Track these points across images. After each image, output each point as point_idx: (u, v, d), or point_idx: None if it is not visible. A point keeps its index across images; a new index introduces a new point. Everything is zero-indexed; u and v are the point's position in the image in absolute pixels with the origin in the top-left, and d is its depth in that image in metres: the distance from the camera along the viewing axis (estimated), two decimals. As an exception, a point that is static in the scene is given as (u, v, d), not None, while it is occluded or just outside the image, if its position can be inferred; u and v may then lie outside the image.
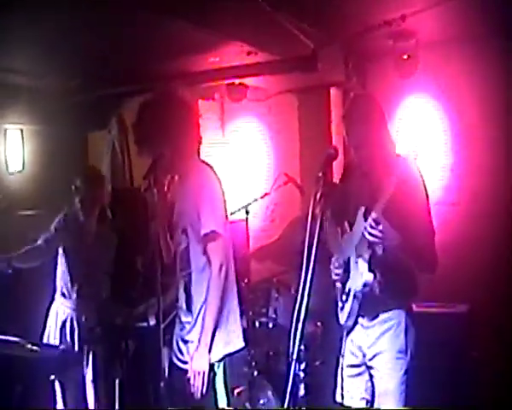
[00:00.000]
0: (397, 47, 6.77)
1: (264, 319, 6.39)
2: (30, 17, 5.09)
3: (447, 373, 6.12)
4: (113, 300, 6.16)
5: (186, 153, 4.16)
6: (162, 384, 4.12)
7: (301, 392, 6.02)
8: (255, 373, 6.20)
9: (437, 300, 6.55)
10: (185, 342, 4.18)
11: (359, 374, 4.23)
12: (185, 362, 4.11)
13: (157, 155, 4.05)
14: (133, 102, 8.39)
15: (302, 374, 6.00)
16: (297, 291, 3.45)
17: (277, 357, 6.36)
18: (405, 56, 6.77)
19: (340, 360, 4.27)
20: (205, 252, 4.07)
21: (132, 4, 4.87)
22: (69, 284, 5.96)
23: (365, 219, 3.90)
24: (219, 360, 4.08)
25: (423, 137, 7.37)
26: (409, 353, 4.07)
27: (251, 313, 6.27)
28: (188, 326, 4.17)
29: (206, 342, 3.96)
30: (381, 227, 3.75)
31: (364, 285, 3.93)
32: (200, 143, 4.29)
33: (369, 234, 3.79)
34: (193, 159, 4.21)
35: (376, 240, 3.80)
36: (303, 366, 6.00)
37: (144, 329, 5.73)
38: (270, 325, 6.37)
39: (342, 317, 4.20)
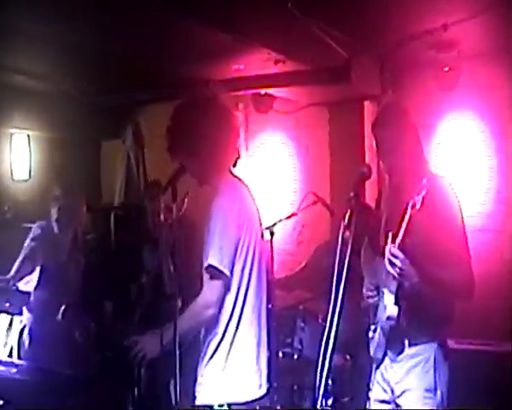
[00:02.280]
0: (437, 58, 6.81)
1: (288, 350, 6.40)
2: (43, 18, 5.17)
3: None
4: (124, 324, 6.23)
5: (219, 165, 4.09)
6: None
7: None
8: (278, 408, 6.20)
9: (481, 337, 6.52)
10: (195, 375, 4.16)
11: None
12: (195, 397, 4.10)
13: (179, 167, 3.97)
14: (150, 111, 8.55)
15: (329, 410, 6.01)
16: (325, 320, 3.48)
17: (302, 391, 6.35)
18: (446, 68, 6.82)
19: (369, 393, 4.27)
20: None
21: (154, 5, 4.93)
22: (46, 300, 6.05)
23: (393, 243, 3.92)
24: (220, 405, 3.91)
25: (465, 156, 7.37)
26: (438, 392, 4.01)
27: (274, 343, 6.26)
28: (199, 361, 4.15)
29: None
30: (398, 263, 3.75)
31: (388, 318, 3.92)
32: (237, 156, 4.23)
33: (390, 266, 3.82)
34: (225, 173, 4.13)
35: (396, 275, 3.81)
36: (330, 402, 5.99)
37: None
38: (295, 357, 6.38)
39: (372, 348, 4.22)
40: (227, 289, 3.88)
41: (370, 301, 4.22)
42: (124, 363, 5.52)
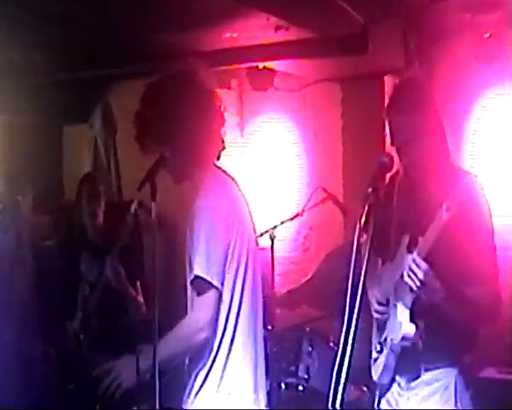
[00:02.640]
0: (475, 22, 6.82)
1: (292, 380, 6.43)
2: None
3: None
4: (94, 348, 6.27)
5: (201, 157, 4.11)
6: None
7: None
8: (279, 451, 6.25)
9: (503, 364, 6.57)
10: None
11: None
12: None
13: (160, 158, 3.96)
14: (123, 88, 8.56)
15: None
16: (337, 344, 3.49)
17: (309, 430, 6.41)
18: (487, 35, 6.82)
19: None
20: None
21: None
22: None
23: (408, 252, 3.94)
24: None
25: (507, 141, 7.38)
26: None
27: (275, 372, 6.29)
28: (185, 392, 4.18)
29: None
30: (421, 275, 3.77)
31: (403, 338, 3.94)
32: (222, 146, 4.24)
33: (409, 277, 3.85)
34: (209, 167, 4.16)
35: (415, 288, 3.83)
36: (343, 443, 6.02)
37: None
38: (301, 388, 6.40)
39: (375, 371, 4.22)
40: (219, 305, 3.88)
41: (378, 316, 4.22)
42: (90, 397, 5.57)
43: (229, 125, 8.56)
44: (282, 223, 6.68)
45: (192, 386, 4.02)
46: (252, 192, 8.44)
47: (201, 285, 3.84)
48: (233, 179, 4.31)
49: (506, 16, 6.73)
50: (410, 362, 4.04)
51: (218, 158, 4.24)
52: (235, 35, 6.85)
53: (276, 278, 6.85)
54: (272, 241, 6.53)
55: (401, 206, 4.21)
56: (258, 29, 6.62)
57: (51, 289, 6.50)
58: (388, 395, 4.22)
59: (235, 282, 3.96)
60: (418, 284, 3.77)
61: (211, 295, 3.85)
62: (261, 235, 6.46)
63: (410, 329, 3.89)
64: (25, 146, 8.60)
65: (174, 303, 4.39)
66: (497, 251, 4.04)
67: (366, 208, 3.56)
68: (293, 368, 6.45)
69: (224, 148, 4.26)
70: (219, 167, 4.24)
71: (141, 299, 6.23)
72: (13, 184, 6.27)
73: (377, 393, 4.28)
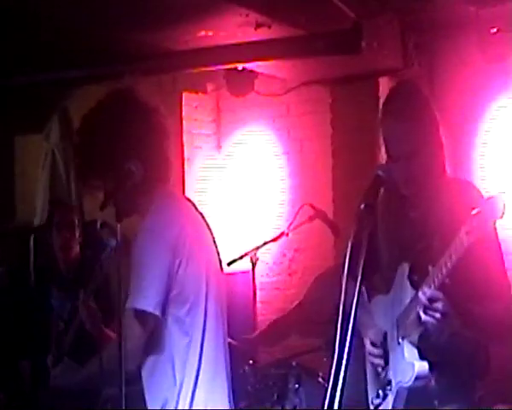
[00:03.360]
0: (481, 16, 6.88)
1: (277, 421, 6.48)
2: None
3: None
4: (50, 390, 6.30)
5: (150, 183, 4.14)
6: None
7: None
8: None
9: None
10: None
11: None
12: None
13: (112, 188, 4.02)
14: (84, 94, 8.59)
15: None
16: (327, 380, 3.54)
17: None
18: (494, 30, 6.88)
19: None
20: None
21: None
22: None
23: (411, 283, 4.00)
24: None
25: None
26: None
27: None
28: None
29: None
30: (440, 306, 3.77)
31: (417, 378, 3.94)
32: (167, 165, 4.26)
33: (427, 314, 3.87)
34: (155, 192, 4.19)
35: (433, 322, 3.85)
36: None
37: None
38: (287, 431, 6.45)
39: None
40: (153, 333, 3.99)
41: (373, 359, 4.24)
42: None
43: (204, 136, 8.72)
44: (264, 244, 6.71)
45: None
46: (231, 210, 8.56)
47: (138, 315, 3.93)
48: (188, 201, 4.42)
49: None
50: (420, 404, 4.05)
51: (168, 179, 4.29)
52: (210, 33, 6.86)
53: (259, 305, 6.89)
54: (254, 264, 6.53)
55: (391, 228, 4.20)
56: (236, 26, 6.66)
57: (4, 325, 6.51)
58: None
59: (195, 312, 4.06)
60: (440, 317, 3.77)
61: (144, 325, 3.95)
62: (241, 257, 6.50)
63: (423, 367, 3.90)
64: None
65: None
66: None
67: (360, 227, 3.63)
68: (278, 407, 6.49)
69: (171, 168, 4.30)
70: (169, 192, 4.31)
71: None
72: None
73: None
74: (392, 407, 4.07)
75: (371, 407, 4.23)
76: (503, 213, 3.61)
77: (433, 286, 3.78)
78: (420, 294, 3.81)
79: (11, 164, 9.56)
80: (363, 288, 4.10)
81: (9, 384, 6.69)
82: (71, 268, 6.76)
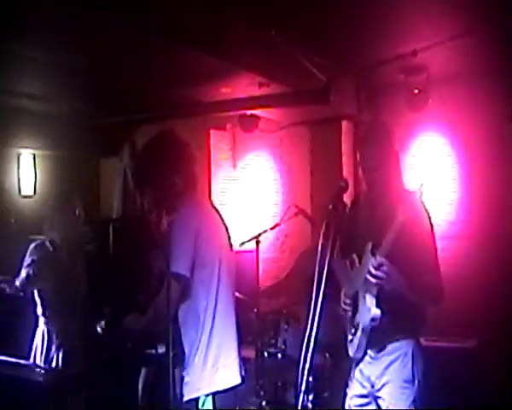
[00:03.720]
0: (408, 81, 6.85)
1: (272, 350, 6.40)
2: (44, 43, 5.16)
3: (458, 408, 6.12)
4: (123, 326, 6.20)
5: (182, 194, 4.16)
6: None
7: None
8: (263, 403, 6.20)
9: (446, 334, 6.57)
10: (182, 377, 4.19)
11: (367, 404, 4.23)
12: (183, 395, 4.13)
13: (161, 195, 4.18)
14: (145, 130, 8.53)
15: (310, 405, 6.00)
16: (306, 323, 3.46)
17: (286, 388, 6.36)
18: (416, 91, 6.85)
19: (347, 390, 4.28)
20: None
21: (147, 32, 4.93)
22: (48, 311, 5.99)
23: (372, 254, 3.94)
24: (206, 396, 4.03)
25: (433, 171, 7.42)
26: (416, 382, 4.06)
27: (260, 344, 6.27)
28: (184, 363, 4.17)
29: None
30: (384, 270, 3.77)
31: (372, 320, 3.92)
32: (195, 180, 4.29)
33: (372, 276, 3.82)
34: (187, 199, 4.19)
35: (380, 282, 3.82)
36: (311, 397, 5.99)
37: (153, 356, 5.74)
38: (279, 356, 6.37)
39: (352, 349, 4.21)
40: (185, 290, 4.01)
41: (345, 311, 4.16)
42: (120, 363, 5.53)
43: (224, 158, 8.65)
44: (264, 231, 6.64)
45: (189, 353, 4.09)
46: (242, 209, 8.48)
47: (175, 277, 3.94)
48: (209, 203, 4.47)
49: (430, 77, 6.76)
50: (377, 338, 4.02)
51: (195, 189, 4.28)
52: (229, 90, 6.79)
53: (261, 273, 6.81)
54: (258, 245, 6.50)
55: (365, 218, 4.14)
56: (246, 85, 6.56)
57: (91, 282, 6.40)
58: (361, 364, 4.19)
59: (212, 273, 4.08)
60: (383, 277, 3.78)
61: (179, 284, 3.97)
62: (249, 240, 6.45)
63: (376, 312, 3.88)
64: (71, 174, 8.56)
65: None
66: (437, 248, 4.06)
67: (328, 221, 3.57)
68: (273, 341, 6.41)
69: (197, 182, 4.31)
70: (196, 198, 4.30)
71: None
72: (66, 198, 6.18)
73: (353, 365, 4.24)
74: (359, 340, 4.04)
75: (348, 339, 4.18)
76: (421, 195, 3.77)
77: (379, 256, 3.77)
78: (371, 261, 3.81)
79: (98, 177, 9.49)
80: (348, 261, 4.19)
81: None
82: (160, 236, 6.63)
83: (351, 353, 4.20)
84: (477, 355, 6.56)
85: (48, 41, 5.09)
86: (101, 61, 5.80)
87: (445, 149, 7.43)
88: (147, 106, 7.68)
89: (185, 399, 4.08)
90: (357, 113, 7.42)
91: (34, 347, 5.96)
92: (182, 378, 4.13)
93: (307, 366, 3.36)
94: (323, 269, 3.46)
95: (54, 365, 5.85)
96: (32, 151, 8.31)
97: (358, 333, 4.05)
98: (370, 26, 5.57)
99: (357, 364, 4.22)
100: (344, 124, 7.67)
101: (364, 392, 4.20)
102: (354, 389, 4.25)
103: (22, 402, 4.21)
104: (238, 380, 4.14)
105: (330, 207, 3.63)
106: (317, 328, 3.39)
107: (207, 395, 4.02)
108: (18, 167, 8.23)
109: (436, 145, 7.48)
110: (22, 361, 4.74)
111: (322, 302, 3.43)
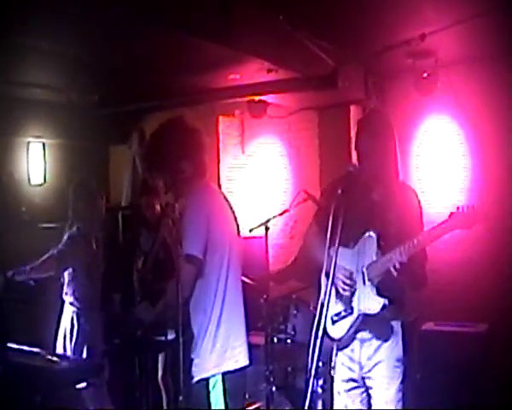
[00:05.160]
0: (416, 65, 6.84)
1: (282, 336, 6.40)
2: (51, 32, 5.16)
3: (466, 393, 6.12)
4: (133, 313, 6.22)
5: (192, 179, 4.20)
6: (181, 398, 4.13)
7: (319, 408, 6.03)
8: (273, 389, 6.21)
9: (457, 319, 6.57)
10: (191, 359, 4.20)
11: (355, 388, 4.25)
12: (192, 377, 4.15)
13: (170, 180, 4.23)
14: (153, 118, 8.54)
15: (320, 390, 6.01)
16: (315, 308, 3.46)
17: (295, 373, 6.38)
18: (425, 75, 6.83)
19: (332, 373, 4.26)
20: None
21: (154, 20, 4.92)
22: (78, 299, 6.04)
23: (379, 246, 3.98)
24: (214, 376, 4.07)
25: (442, 156, 7.39)
26: (405, 360, 4.16)
27: (269, 329, 6.26)
28: (192, 345, 4.19)
29: None
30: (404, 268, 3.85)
31: (383, 307, 3.95)
32: (204, 166, 4.32)
33: (395, 270, 3.86)
34: (197, 184, 4.22)
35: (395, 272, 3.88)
36: (321, 383, 6.00)
37: (163, 342, 5.77)
38: (289, 341, 6.37)
39: (337, 332, 4.16)
40: (199, 271, 4.03)
41: (346, 290, 4.09)
42: (130, 348, 5.56)
43: (233, 144, 8.64)
44: (274, 217, 6.61)
45: (198, 335, 4.12)
46: (251, 194, 8.47)
47: (189, 259, 3.97)
48: (218, 189, 4.52)
49: (438, 61, 6.75)
50: (377, 323, 4.08)
51: (205, 175, 4.31)
52: (237, 76, 6.78)
53: (270, 259, 6.80)
54: (267, 231, 6.47)
55: (358, 205, 4.06)
56: (254, 71, 6.55)
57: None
58: (346, 350, 4.20)
59: (222, 257, 4.11)
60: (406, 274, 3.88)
61: (194, 265, 3.99)
62: (259, 226, 6.42)
63: (385, 301, 3.94)
64: (81, 162, 8.56)
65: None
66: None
67: (337, 206, 3.56)
68: (282, 327, 6.42)
69: (207, 168, 4.35)
70: (205, 182, 4.32)
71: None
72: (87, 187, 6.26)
73: (334, 348, 4.22)
74: (352, 325, 4.10)
75: (332, 321, 4.17)
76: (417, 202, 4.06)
77: (404, 255, 3.84)
78: (394, 257, 3.87)
79: (107, 164, 9.50)
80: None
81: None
82: (153, 217, 6.64)
83: (336, 335, 4.18)
84: (488, 340, 6.54)
85: (56, 31, 5.09)
86: (110, 50, 5.82)
87: (455, 134, 7.39)
88: (155, 94, 7.68)
89: (195, 380, 4.12)
90: (366, 98, 7.40)
91: (62, 333, 6.02)
92: (191, 360, 4.15)
93: (317, 351, 3.36)
94: (333, 255, 3.47)
95: (82, 352, 5.93)
96: (41, 140, 8.32)
97: (351, 318, 4.08)
98: (378, 10, 5.55)
99: (343, 348, 4.21)
100: (352, 109, 7.65)
101: (354, 376, 4.23)
102: (341, 374, 4.26)
103: (36, 390, 4.23)
104: (246, 361, 4.18)
105: (340, 191, 3.62)
106: (327, 313, 3.40)
107: (216, 376, 4.06)
108: (27, 156, 8.24)
109: (446, 130, 7.44)
110: (35, 349, 4.74)
111: (331, 288, 3.44)
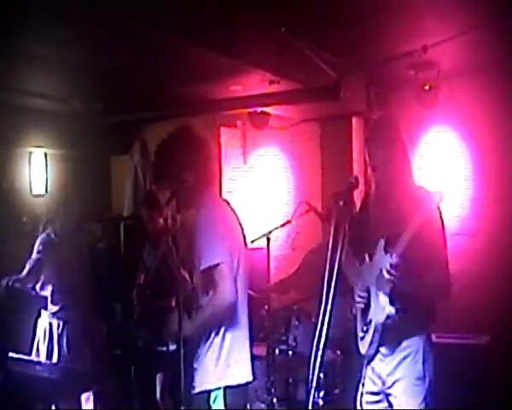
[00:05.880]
0: (418, 77, 6.84)
1: (283, 347, 6.38)
2: (53, 41, 5.17)
3: (467, 405, 6.10)
4: (135, 323, 6.22)
5: (201, 188, 4.15)
6: (183, 408, 4.12)
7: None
8: (274, 400, 6.20)
9: (458, 331, 6.55)
10: (194, 368, 4.18)
11: (378, 401, 4.23)
12: (194, 387, 4.13)
13: (174, 189, 4.17)
14: (155, 128, 8.56)
15: (321, 402, 5.99)
16: (317, 319, 3.46)
17: (297, 384, 6.35)
18: (427, 87, 6.84)
19: (360, 387, 4.27)
20: (205, 288, 4.06)
21: (156, 31, 4.93)
22: (53, 304, 6.05)
23: (385, 252, 3.95)
24: (216, 390, 4.03)
25: (444, 167, 7.39)
26: (427, 380, 4.08)
27: (271, 340, 6.26)
28: (196, 354, 4.17)
29: None
30: (398, 272, 3.81)
31: (387, 318, 3.94)
32: (213, 176, 4.32)
33: (390, 275, 3.84)
34: (206, 195, 4.18)
35: (395, 281, 3.85)
36: (322, 394, 5.98)
37: (164, 353, 5.76)
38: (290, 353, 6.35)
39: (363, 347, 4.20)
40: (231, 273, 3.99)
41: (360, 303, 4.17)
42: (131, 359, 5.54)
43: (235, 156, 8.64)
44: (275, 228, 6.63)
45: (203, 345, 4.07)
46: (253, 206, 8.47)
47: (212, 270, 3.92)
48: (226, 201, 4.40)
49: (440, 73, 6.75)
50: (390, 335, 4.05)
51: (213, 185, 4.34)
52: (239, 87, 6.78)
53: (272, 270, 6.81)
54: (268, 242, 6.47)
55: (375, 216, 4.13)
56: (256, 82, 6.56)
57: (102, 280, 6.43)
58: (372, 362, 4.20)
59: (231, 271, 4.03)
60: (397, 278, 3.81)
61: (221, 270, 3.93)
62: (260, 237, 6.42)
63: (391, 310, 3.92)
64: (83, 172, 8.57)
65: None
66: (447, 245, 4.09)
67: (338, 218, 3.55)
68: (284, 338, 6.39)
69: (216, 178, 4.40)
70: (214, 194, 4.34)
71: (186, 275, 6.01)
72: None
73: (365, 363, 4.24)
74: (372, 338, 4.08)
75: (359, 337, 4.20)
76: (441, 200, 3.80)
77: (395, 256, 3.80)
78: (387, 260, 3.84)
79: (109, 175, 9.52)
80: (355, 257, 4.23)
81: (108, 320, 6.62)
82: (156, 232, 6.63)
83: (362, 350, 4.21)
84: (489, 352, 6.53)
85: (59, 40, 5.08)
86: (113, 60, 5.81)
87: (457, 146, 7.39)
88: (157, 104, 7.69)
89: (196, 391, 4.09)
90: (368, 109, 7.40)
91: (36, 340, 6.03)
92: (193, 369, 4.13)
93: (318, 362, 3.35)
94: (334, 266, 3.46)
95: (56, 359, 5.92)
96: (43, 150, 8.33)
97: (370, 330, 4.07)
98: (380, 22, 5.56)
99: (369, 362, 4.22)
100: (354, 120, 7.66)
101: (375, 389, 4.21)
102: (366, 386, 4.26)
103: (30, 398, 4.22)
104: (250, 377, 4.15)
105: (341, 203, 3.61)
106: (328, 325, 3.38)
107: (218, 389, 4.02)
108: (29, 166, 8.25)
109: (448, 142, 7.45)
110: (31, 358, 4.74)
111: (332, 299, 3.42)
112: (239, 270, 4.11)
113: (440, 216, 4.07)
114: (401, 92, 7.47)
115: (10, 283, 5.85)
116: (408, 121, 7.35)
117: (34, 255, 5.99)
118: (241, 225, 4.32)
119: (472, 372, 6.25)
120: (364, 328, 4.14)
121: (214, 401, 4.02)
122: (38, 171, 8.31)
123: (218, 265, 3.93)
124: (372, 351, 4.15)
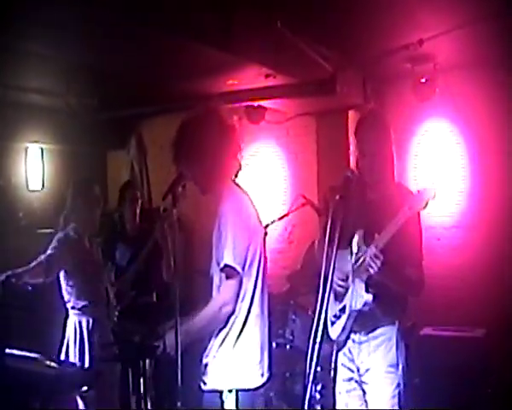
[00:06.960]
0: (415, 70, 6.85)
1: (280, 341, 6.40)
2: (49, 37, 5.16)
3: (463, 398, 6.12)
4: (132, 318, 6.20)
5: (222, 175, 4.02)
6: (179, 404, 4.10)
7: (317, 413, 6.04)
8: (271, 394, 6.20)
9: (453, 324, 6.57)
10: (204, 364, 4.10)
11: (353, 389, 4.29)
12: (205, 383, 4.06)
13: (178, 176, 3.92)
14: (152, 123, 8.56)
15: (318, 396, 6.01)
16: (314, 313, 3.47)
17: (294, 378, 6.37)
18: (423, 80, 6.84)
19: (332, 373, 4.32)
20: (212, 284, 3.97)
21: (153, 25, 4.92)
22: (79, 301, 5.98)
23: (365, 242, 4.02)
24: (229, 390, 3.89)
25: (441, 160, 7.40)
26: (400, 367, 4.17)
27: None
28: (207, 349, 4.10)
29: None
30: (379, 263, 3.86)
31: (365, 304, 4.03)
32: (239, 167, 4.13)
33: (369, 266, 3.90)
34: (228, 182, 4.06)
35: (374, 271, 3.91)
36: (319, 388, 6.00)
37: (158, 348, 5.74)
38: (287, 347, 6.37)
39: (334, 333, 4.26)
40: (240, 286, 3.85)
41: (341, 288, 4.22)
42: (128, 357, 5.51)
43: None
44: (272, 222, 6.64)
45: (212, 345, 3.97)
46: (254, 200, 8.46)
47: (229, 271, 3.81)
48: (245, 191, 4.21)
49: (437, 66, 6.76)
50: (364, 322, 4.14)
51: (236, 176, 4.14)
52: (236, 82, 6.80)
53: (269, 263, 6.79)
54: (265, 235, 6.45)
55: (354, 205, 4.05)
56: (253, 77, 6.57)
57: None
58: (345, 349, 4.29)
59: (251, 267, 3.91)
60: (377, 269, 3.88)
61: (235, 279, 3.81)
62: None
63: (369, 297, 4.00)
64: (79, 167, 8.57)
65: (190, 286, 4.34)
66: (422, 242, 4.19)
67: (335, 211, 3.57)
68: (281, 332, 6.42)
69: (240, 168, 4.14)
70: (236, 183, 4.15)
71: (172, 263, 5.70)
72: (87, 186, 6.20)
73: (335, 348, 4.35)
74: (344, 324, 4.19)
75: (330, 322, 4.27)
76: (434, 197, 3.81)
77: (377, 247, 3.89)
78: (368, 251, 3.93)
79: (105, 169, 9.51)
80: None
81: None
82: (134, 229, 6.68)
83: (333, 336, 4.28)
84: (485, 344, 6.54)
85: (54, 36, 5.07)
86: (109, 55, 5.79)
87: (453, 139, 7.40)
88: (153, 99, 7.68)
89: (207, 387, 3.97)
90: (364, 103, 7.41)
91: (66, 339, 5.97)
92: (205, 365, 4.05)
93: (315, 356, 3.36)
94: (331, 260, 3.47)
95: (89, 357, 5.88)
96: (39, 145, 8.32)
97: (343, 316, 4.16)
98: (376, 15, 5.56)
99: (341, 348, 4.30)
100: (351, 114, 7.65)
101: (352, 376, 4.30)
102: (342, 374, 4.36)
103: (35, 396, 4.21)
104: (260, 381, 4.01)
105: (337, 197, 3.62)
106: (325, 319, 3.40)
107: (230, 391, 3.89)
108: (26, 162, 8.24)
109: (444, 134, 7.45)
110: (33, 355, 4.72)
111: (329, 293, 3.44)
112: (259, 269, 3.98)
113: (419, 217, 4.13)
114: (397, 86, 7.49)
115: (13, 279, 5.74)
116: (404, 114, 7.38)
117: (49, 251, 5.86)
118: (258, 216, 4.20)
119: (468, 365, 6.27)
120: (337, 313, 4.21)
121: (227, 396, 3.88)
122: (35, 166, 8.30)
123: (230, 268, 3.81)
124: (343, 337, 4.24)
